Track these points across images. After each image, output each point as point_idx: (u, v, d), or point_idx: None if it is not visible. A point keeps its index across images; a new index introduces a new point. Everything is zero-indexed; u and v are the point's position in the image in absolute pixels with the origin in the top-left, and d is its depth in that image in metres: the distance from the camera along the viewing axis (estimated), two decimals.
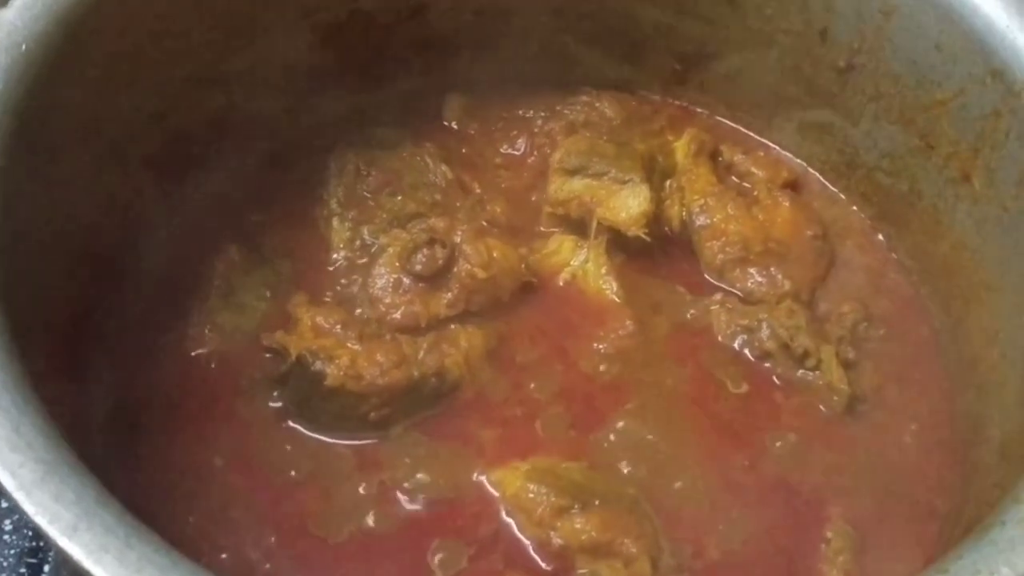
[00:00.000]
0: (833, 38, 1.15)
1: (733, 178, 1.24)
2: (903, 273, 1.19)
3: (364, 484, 0.97)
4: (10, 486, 0.66)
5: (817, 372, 1.07)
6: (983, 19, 1.01)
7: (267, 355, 1.03)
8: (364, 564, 0.93)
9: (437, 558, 0.93)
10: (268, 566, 0.92)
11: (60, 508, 0.65)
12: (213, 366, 1.04)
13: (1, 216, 0.81)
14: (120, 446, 0.93)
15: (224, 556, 0.91)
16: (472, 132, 1.27)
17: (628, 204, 1.13)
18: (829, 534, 0.98)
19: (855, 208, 1.25)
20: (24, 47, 0.87)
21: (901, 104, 1.13)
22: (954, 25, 1.03)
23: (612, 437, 1.02)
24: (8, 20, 0.88)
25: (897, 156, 1.17)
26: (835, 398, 1.06)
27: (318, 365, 0.98)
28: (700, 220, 1.17)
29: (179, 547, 0.67)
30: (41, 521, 0.65)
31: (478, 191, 1.20)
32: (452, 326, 1.06)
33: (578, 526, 0.93)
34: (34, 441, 0.68)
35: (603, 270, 1.13)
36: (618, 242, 1.14)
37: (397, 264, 1.06)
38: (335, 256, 1.13)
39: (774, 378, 1.08)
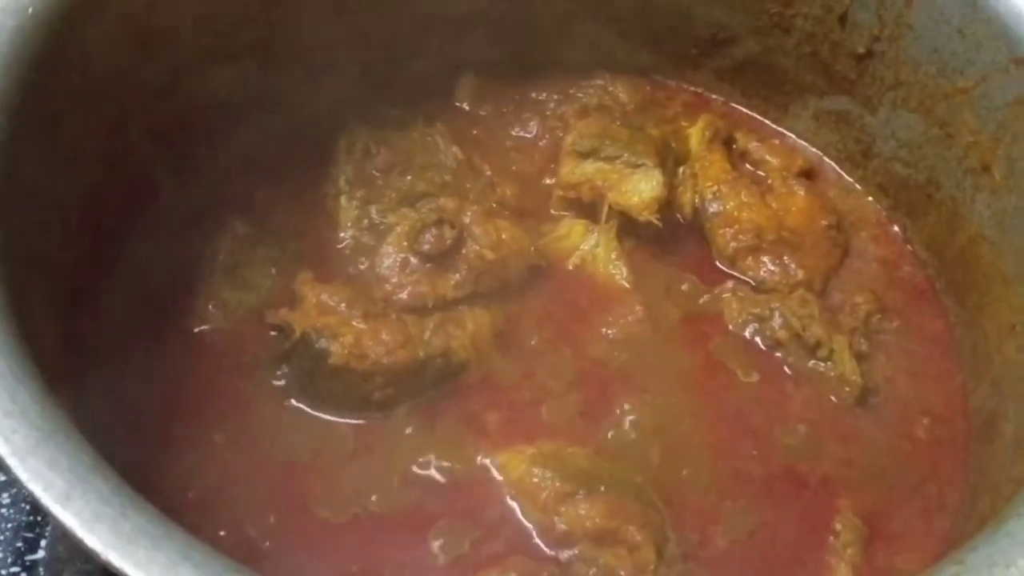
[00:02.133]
0: (853, 24, 1.14)
1: (747, 166, 1.23)
2: (918, 265, 1.18)
3: (366, 464, 0.96)
4: (3, 452, 0.65)
5: (829, 363, 1.06)
6: (1007, 5, 0.99)
7: (271, 332, 1.02)
8: (365, 545, 0.92)
9: (439, 541, 0.92)
10: (267, 544, 0.90)
11: (54, 475, 0.64)
12: (216, 342, 1.03)
13: (3, 180, 0.80)
14: (119, 419, 0.91)
15: (223, 533, 0.90)
16: (484, 114, 1.26)
17: (640, 189, 1.12)
18: (838, 526, 0.96)
19: (871, 198, 1.23)
20: (31, 10, 0.86)
21: (921, 92, 1.11)
22: (977, 11, 1.01)
23: (619, 423, 1.00)
24: None
25: (915, 146, 1.15)
26: (847, 389, 1.05)
27: (322, 343, 0.97)
28: (713, 207, 1.16)
29: (177, 523, 0.66)
30: (35, 488, 0.64)
31: (488, 173, 1.19)
32: (459, 307, 1.04)
33: (582, 512, 0.91)
34: (29, 407, 0.67)
35: (613, 255, 1.12)
36: (629, 227, 1.13)
37: (405, 243, 1.05)
38: (342, 234, 1.11)
39: (785, 368, 1.07)
